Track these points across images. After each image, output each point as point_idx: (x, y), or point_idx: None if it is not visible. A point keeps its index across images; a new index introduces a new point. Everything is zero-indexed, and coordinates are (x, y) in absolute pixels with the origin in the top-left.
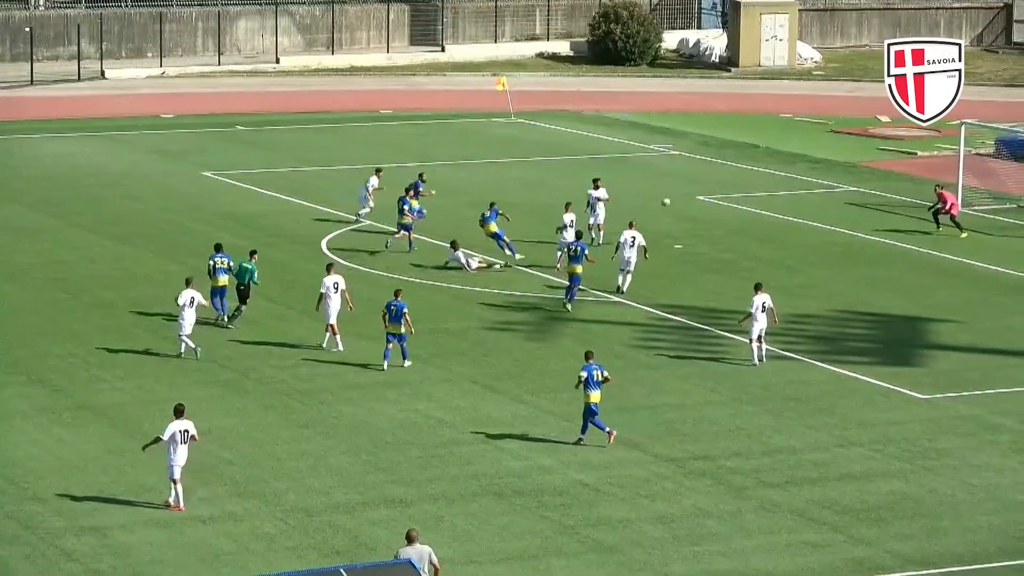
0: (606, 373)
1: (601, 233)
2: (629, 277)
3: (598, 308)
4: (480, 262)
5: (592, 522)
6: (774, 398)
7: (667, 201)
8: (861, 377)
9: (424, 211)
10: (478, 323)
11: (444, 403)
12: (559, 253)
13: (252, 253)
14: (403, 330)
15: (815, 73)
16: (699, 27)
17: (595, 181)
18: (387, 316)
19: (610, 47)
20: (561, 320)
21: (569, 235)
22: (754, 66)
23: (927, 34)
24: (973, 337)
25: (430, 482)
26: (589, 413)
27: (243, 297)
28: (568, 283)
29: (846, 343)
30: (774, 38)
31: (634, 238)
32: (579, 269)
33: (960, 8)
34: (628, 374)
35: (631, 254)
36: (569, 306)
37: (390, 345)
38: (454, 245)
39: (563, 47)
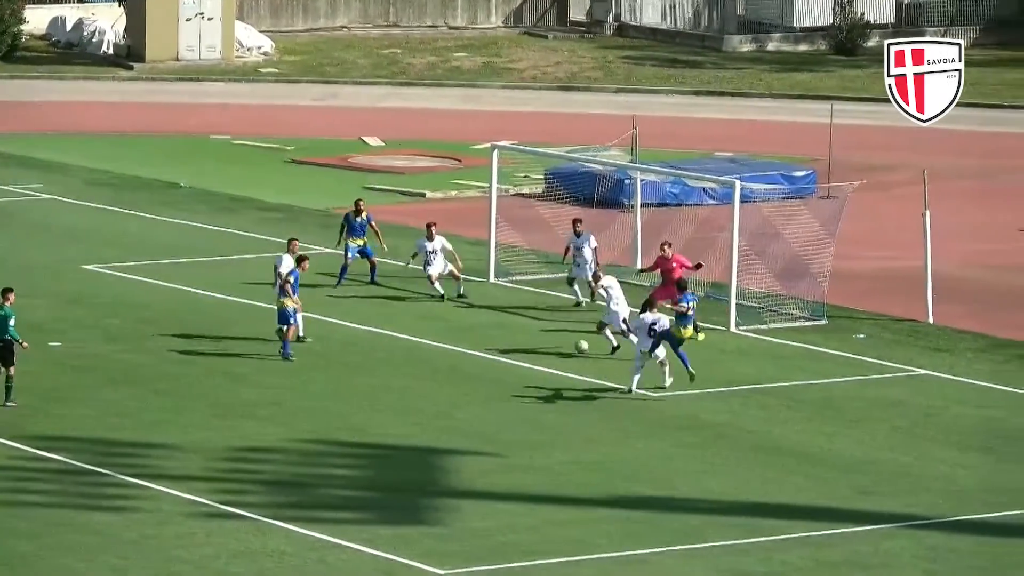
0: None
1: None
2: None
3: None
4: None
5: None
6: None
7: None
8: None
9: None
10: None
11: None
12: None
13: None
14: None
15: (264, 71)
16: (81, 0)
17: None
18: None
19: None
20: None
21: None
22: (170, 60)
23: (415, 12)
24: None
25: None
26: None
27: (5, 359)
28: None
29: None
30: (200, 16)
31: None
32: None
33: None
34: None
35: None
36: None
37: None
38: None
39: None
